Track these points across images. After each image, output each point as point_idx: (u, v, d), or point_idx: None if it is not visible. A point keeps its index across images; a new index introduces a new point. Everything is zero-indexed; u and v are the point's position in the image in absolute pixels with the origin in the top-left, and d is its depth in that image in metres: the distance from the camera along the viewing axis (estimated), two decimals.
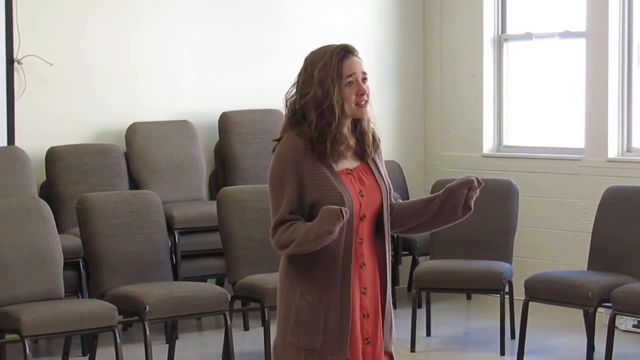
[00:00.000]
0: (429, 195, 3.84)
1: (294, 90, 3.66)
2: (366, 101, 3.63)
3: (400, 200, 3.82)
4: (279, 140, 3.66)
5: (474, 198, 3.70)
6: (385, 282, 3.70)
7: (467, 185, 3.67)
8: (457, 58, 9.07)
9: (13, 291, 6.11)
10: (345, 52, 3.63)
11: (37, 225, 6.29)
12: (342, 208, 3.47)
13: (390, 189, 3.75)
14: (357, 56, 3.66)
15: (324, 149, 3.58)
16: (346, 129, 3.62)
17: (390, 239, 3.72)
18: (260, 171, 7.89)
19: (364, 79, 3.65)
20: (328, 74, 3.59)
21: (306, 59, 3.66)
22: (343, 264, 3.59)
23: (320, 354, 3.59)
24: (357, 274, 3.63)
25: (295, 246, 3.53)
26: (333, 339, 3.59)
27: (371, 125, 3.71)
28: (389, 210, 3.70)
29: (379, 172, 3.71)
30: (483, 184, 3.69)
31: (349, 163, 3.67)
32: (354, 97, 3.61)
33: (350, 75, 3.61)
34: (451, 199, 3.68)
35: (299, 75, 3.66)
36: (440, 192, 3.71)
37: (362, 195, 3.64)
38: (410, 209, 3.76)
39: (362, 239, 3.64)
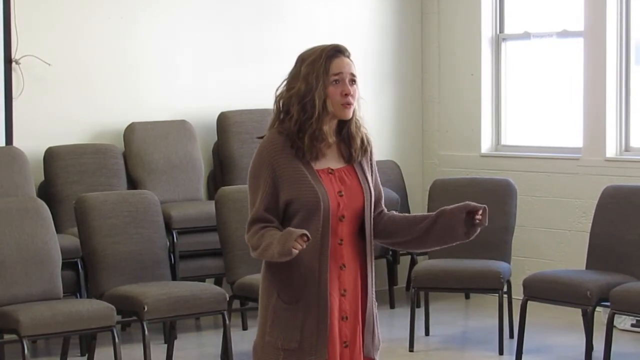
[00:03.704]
0: (425, 212, 3.79)
1: (284, 86, 3.66)
2: (350, 103, 3.59)
3: (395, 212, 3.77)
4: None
5: (478, 230, 3.64)
6: (367, 285, 3.66)
7: (464, 209, 3.61)
8: (455, 58, 9.07)
9: (11, 291, 6.11)
10: (335, 51, 3.62)
11: (35, 225, 6.29)
12: (305, 233, 3.41)
13: (380, 195, 3.72)
14: (347, 57, 3.64)
15: (303, 145, 3.57)
16: (327, 126, 3.60)
17: (372, 242, 3.67)
18: None
19: (352, 81, 3.61)
20: (314, 69, 3.58)
21: (298, 57, 3.66)
22: (320, 264, 3.55)
23: (299, 354, 3.56)
24: (337, 275, 3.59)
25: (259, 254, 3.54)
26: (311, 340, 3.56)
27: (362, 130, 3.67)
28: (372, 213, 3.66)
29: (364, 175, 3.66)
30: (486, 222, 3.62)
31: (331, 163, 3.64)
32: (338, 97, 3.59)
33: (337, 74, 3.59)
34: (443, 220, 3.63)
35: (290, 71, 3.67)
36: (434, 212, 3.66)
37: (342, 195, 3.60)
38: (400, 222, 3.70)
39: (342, 240, 3.60)
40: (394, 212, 3.79)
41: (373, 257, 3.68)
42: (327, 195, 3.56)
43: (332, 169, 3.63)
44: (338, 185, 3.61)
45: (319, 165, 3.61)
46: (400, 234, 3.70)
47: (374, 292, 3.69)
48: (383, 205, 3.75)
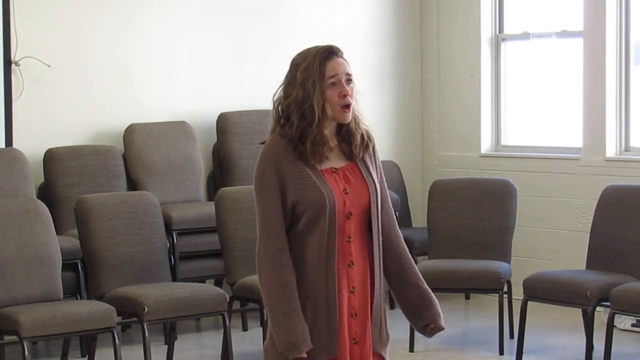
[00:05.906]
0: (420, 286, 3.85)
1: (281, 92, 3.66)
2: (349, 103, 3.59)
3: (404, 252, 3.79)
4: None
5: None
6: (374, 281, 3.67)
7: (427, 322, 3.89)
8: (455, 58, 9.08)
9: (11, 293, 6.11)
10: (328, 53, 3.61)
11: (35, 226, 6.29)
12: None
13: (384, 190, 3.71)
14: (341, 57, 3.63)
15: (305, 150, 3.57)
16: (328, 130, 3.60)
17: (380, 238, 3.67)
18: None
19: (348, 80, 3.61)
20: (310, 75, 3.57)
21: (292, 61, 3.65)
22: (327, 262, 3.55)
23: (309, 352, 3.55)
24: (345, 272, 3.60)
25: (268, 309, 3.56)
26: (321, 338, 3.57)
27: (362, 125, 3.67)
28: (378, 209, 3.65)
29: (368, 171, 3.66)
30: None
31: (334, 162, 3.64)
32: (336, 99, 3.59)
33: (332, 77, 3.59)
34: (413, 307, 3.86)
35: (285, 77, 3.66)
36: (424, 298, 3.88)
37: (347, 193, 3.60)
38: (400, 281, 3.80)
39: (349, 237, 3.60)
40: (405, 254, 3.79)
41: (381, 253, 3.68)
42: (333, 194, 3.56)
43: (335, 168, 3.63)
44: (342, 183, 3.61)
45: (322, 166, 3.61)
46: (394, 288, 3.82)
47: (382, 288, 3.70)
48: (391, 209, 3.75)
